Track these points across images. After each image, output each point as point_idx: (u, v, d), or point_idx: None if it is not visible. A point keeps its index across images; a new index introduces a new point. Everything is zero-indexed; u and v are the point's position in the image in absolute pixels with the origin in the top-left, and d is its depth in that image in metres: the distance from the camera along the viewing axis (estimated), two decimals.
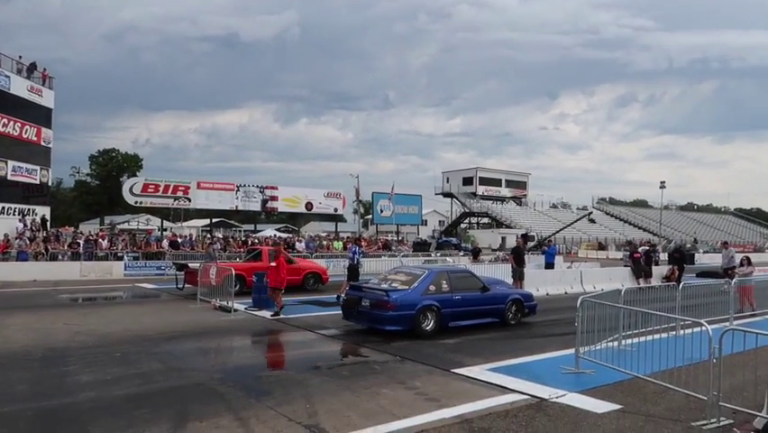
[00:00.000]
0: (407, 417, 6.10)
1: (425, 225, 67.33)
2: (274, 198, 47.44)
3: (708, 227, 77.43)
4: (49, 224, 32.34)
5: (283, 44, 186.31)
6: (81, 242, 24.92)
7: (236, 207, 46.22)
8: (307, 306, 14.92)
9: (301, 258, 23.68)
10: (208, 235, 37.77)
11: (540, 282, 19.10)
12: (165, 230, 46.72)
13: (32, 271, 21.44)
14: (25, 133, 31.64)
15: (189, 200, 43.61)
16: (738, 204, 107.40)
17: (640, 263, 21.14)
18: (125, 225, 55.89)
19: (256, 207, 47.58)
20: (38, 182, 33.00)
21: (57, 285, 19.25)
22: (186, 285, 17.41)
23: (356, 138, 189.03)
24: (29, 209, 31.90)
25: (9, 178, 30.16)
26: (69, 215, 72.10)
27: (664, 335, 8.12)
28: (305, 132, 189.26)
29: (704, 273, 24.77)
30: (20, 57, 32.10)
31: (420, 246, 39.60)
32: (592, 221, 65.97)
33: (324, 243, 33.81)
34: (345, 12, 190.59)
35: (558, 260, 27.64)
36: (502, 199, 73.32)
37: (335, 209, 51.48)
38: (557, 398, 6.84)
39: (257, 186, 46.85)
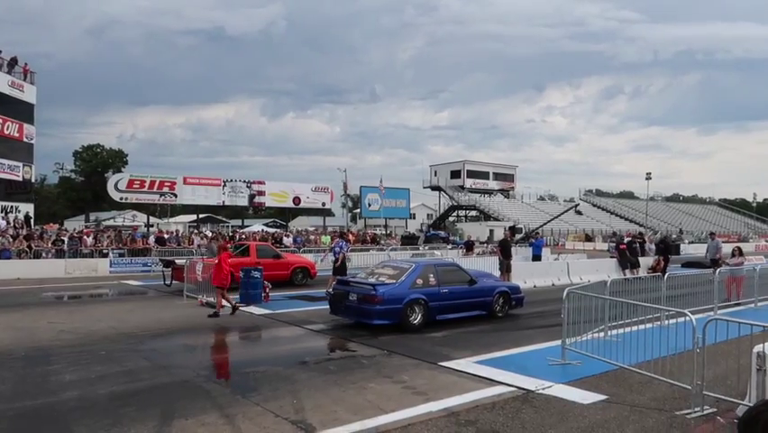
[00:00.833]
0: (394, 411, 6.10)
1: (414, 218, 67.42)
2: (261, 193, 47.20)
3: (693, 218, 78.17)
4: (32, 221, 31.97)
5: (269, 38, 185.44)
6: (66, 239, 24.62)
7: (223, 202, 45.95)
8: (295, 301, 14.86)
9: (289, 253, 23.57)
10: (207, 231, 37.49)
11: (527, 274, 19.18)
12: (151, 226, 46.38)
13: (15, 269, 21.14)
14: (7, 129, 31.20)
15: (175, 196, 43.28)
16: (723, 194, 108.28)
17: (626, 254, 21.29)
18: (111, 222, 55.39)
19: (243, 202, 47.33)
20: (20, 179, 32.59)
21: (41, 283, 19.01)
22: (173, 281, 17.29)
23: (343, 132, 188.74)
24: (11, 206, 31.52)
25: None
26: (54, 212, 71.27)
27: (650, 325, 8.18)
28: (292, 126, 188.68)
29: (690, 264, 25.03)
30: (0, 51, 31.59)
31: (408, 240, 39.61)
32: (579, 213, 66.34)
33: (312, 237, 33.70)
34: (332, 5, 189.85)
35: (545, 252, 27.79)
36: (490, 192, 73.49)
37: (323, 204, 51.34)
38: (543, 389, 6.88)
39: (244, 181, 46.59)
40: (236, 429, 5.64)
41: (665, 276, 12.58)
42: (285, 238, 31.59)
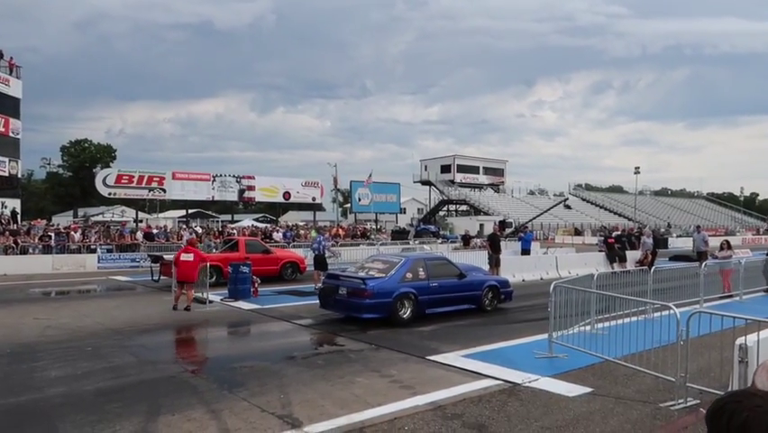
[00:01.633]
0: (381, 405, 6.12)
1: (404, 213, 67.39)
2: (251, 188, 47.09)
3: (681, 212, 78.74)
4: (20, 216, 31.67)
5: (259, 32, 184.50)
6: (53, 235, 24.42)
7: (213, 197, 45.81)
8: (284, 296, 14.84)
9: (279, 248, 23.52)
10: (197, 227, 37.27)
11: (516, 268, 19.26)
12: (140, 221, 46.08)
13: (1, 265, 20.92)
14: None
15: (164, 191, 43.08)
16: (711, 189, 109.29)
17: (614, 248, 21.43)
18: (100, 217, 54.88)
19: (233, 197, 47.20)
20: (7, 174, 32.29)
21: (28, 279, 18.85)
22: (161, 277, 17.19)
23: (334, 127, 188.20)
24: None
25: None
26: (42, 207, 70.53)
27: (636, 318, 8.26)
28: (282, 121, 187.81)
29: (677, 257, 25.26)
30: None
31: (398, 234, 39.62)
32: (568, 207, 66.58)
33: (302, 232, 33.63)
34: None
35: (535, 246, 27.90)
36: (480, 187, 73.59)
37: (313, 198, 51.30)
38: (530, 382, 6.92)
39: (233, 176, 46.43)
40: (222, 424, 5.63)
41: (652, 270, 12.69)
42: (275, 233, 31.50)
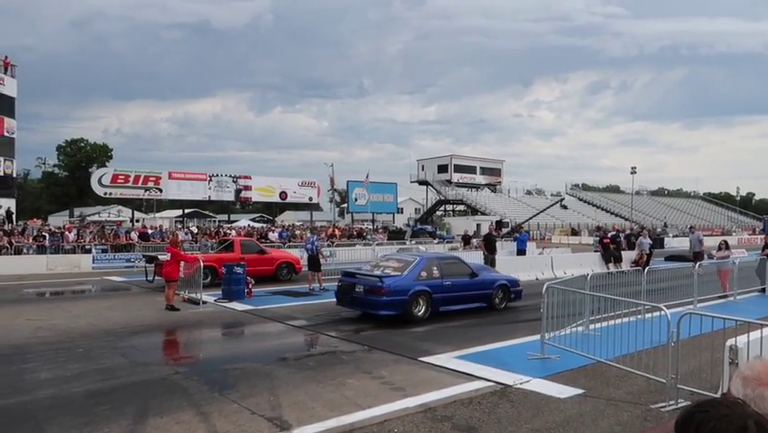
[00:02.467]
0: (371, 407, 6.10)
1: (401, 213, 67.50)
2: (248, 188, 47.04)
3: (678, 212, 78.86)
4: (15, 216, 31.58)
5: (256, 31, 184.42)
6: (47, 235, 24.33)
7: (209, 196, 45.74)
8: (278, 296, 14.79)
9: (274, 248, 23.48)
10: (193, 227, 37.21)
11: (511, 269, 19.16)
12: (137, 221, 46.00)
13: None
14: None
15: (161, 191, 43.00)
16: (707, 188, 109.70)
17: (609, 248, 21.44)
18: (96, 217, 54.83)
19: (229, 196, 47.12)
20: (1, 174, 32.17)
21: (21, 280, 18.77)
22: (156, 277, 17.13)
23: (331, 126, 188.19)
24: None
25: None
26: (38, 207, 70.42)
27: (629, 319, 8.25)
28: (279, 120, 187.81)
29: (673, 257, 25.29)
30: None
31: (395, 234, 39.60)
32: (564, 207, 66.58)
33: (297, 232, 33.59)
34: None
35: (530, 246, 27.91)
36: (477, 187, 73.58)
37: (310, 198, 51.27)
38: (521, 384, 6.90)
39: (230, 175, 46.37)
40: (211, 427, 5.60)
41: (645, 270, 12.68)
42: (270, 233, 31.45)
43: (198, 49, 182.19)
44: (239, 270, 14.28)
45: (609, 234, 23.84)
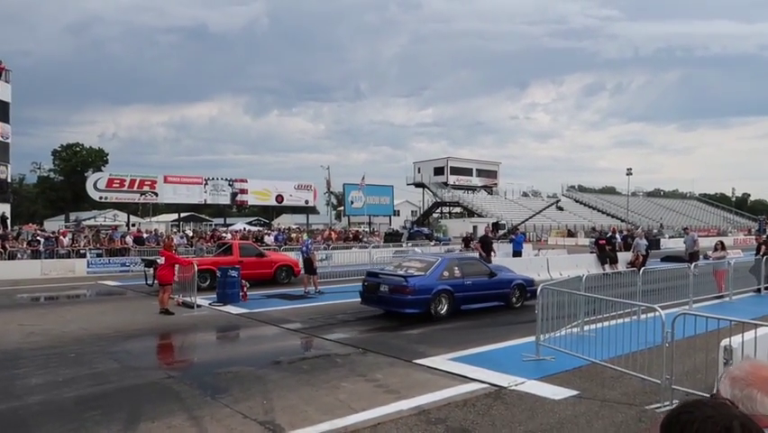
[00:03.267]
0: (365, 410, 6.05)
1: (398, 215, 67.39)
2: (244, 192, 46.99)
3: (673, 213, 79.05)
4: (9, 221, 31.44)
5: (253, 35, 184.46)
6: (42, 239, 24.21)
7: (205, 200, 45.70)
8: (273, 300, 14.70)
9: (272, 251, 23.42)
10: (189, 231, 37.09)
11: None
12: (133, 225, 45.87)
13: None
14: None
15: (156, 195, 42.92)
16: (703, 189, 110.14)
17: (605, 250, 21.43)
18: (92, 222, 54.60)
19: (225, 200, 47.07)
20: None
21: (15, 285, 18.66)
22: (155, 281, 17.06)
23: (328, 129, 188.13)
24: None
25: None
26: (34, 211, 70.11)
27: (624, 320, 8.23)
28: (276, 124, 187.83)
29: (668, 258, 25.31)
30: None
31: (391, 237, 39.55)
32: (560, 208, 66.73)
33: (294, 235, 33.53)
34: (314, 2, 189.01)
35: (527, 247, 27.89)
36: (473, 189, 73.67)
37: (306, 201, 51.25)
38: (516, 386, 6.86)
39: (226, 179, 46.31)
40: (203, 431, 5.55)
41: (641, 271, 12.67)
42: (266, 236, 31.38)
43: (195, 53, 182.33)
44: (233, 273, 14.22)
45: (606, 236, 23.84)
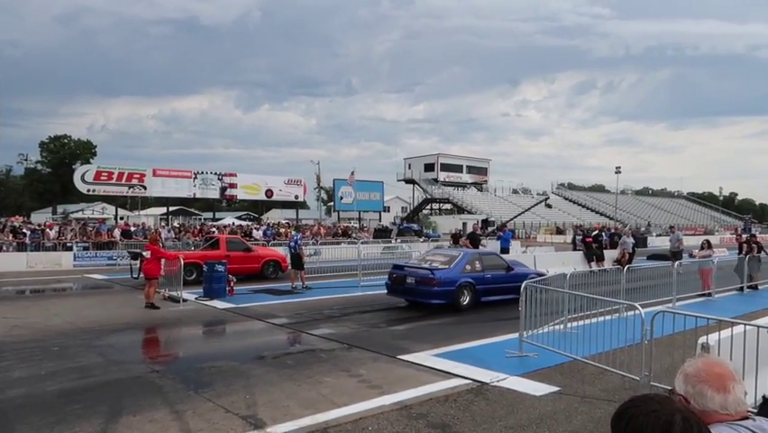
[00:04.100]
0: (347, 405, 6.09)
1: (388, 211, 67.53)
2: (233, 186, 46.86)
3: (662, 211, 79.73)
4: None
5: (244, 28, 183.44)
6: (27, 232, 24.03)
7: (194, 194, 45.51)
8: (259, 295, 14.71)
9: (260, 246, 23.38)
10: (176, 224, 36.93)
11: None
12: (121, 219, 45.61)
13: None
14: None
15: (145, 188, 42.71)
16: (691, 188, 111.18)
17: (591, 247, 21.60)
18: (79, 215, 54.24)
19: (215, 194, 46.91)
20: None
21: (1, 277, 18.52)
22: (140, 274, 17.00)
23: (319, 124, 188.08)
24: None
25: None
26: (21, 204, 69.56)
27: (607, 317, 8.31)
28: (267, 118, 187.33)
29: (654, 256, 25.54)
30: None
31: (381, 233, 39.59)
32: (549, 206, 67.06)
33: (282, 230, 33.48)
34: None
35: (515, 244, 28.06)
36: (463, 185, 73.90)
37: (296, 196, 51.18)
38: (498, 381, 6.92)
39: (215, 173, 46.14)
40: (185, 425, 5.56)
41: (625, 269, 12.80)
42: (254, 231, 31.32)
43: (186, 45, 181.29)
44: (220, 267, 14.20)
45: (593, 234, 24.01)
